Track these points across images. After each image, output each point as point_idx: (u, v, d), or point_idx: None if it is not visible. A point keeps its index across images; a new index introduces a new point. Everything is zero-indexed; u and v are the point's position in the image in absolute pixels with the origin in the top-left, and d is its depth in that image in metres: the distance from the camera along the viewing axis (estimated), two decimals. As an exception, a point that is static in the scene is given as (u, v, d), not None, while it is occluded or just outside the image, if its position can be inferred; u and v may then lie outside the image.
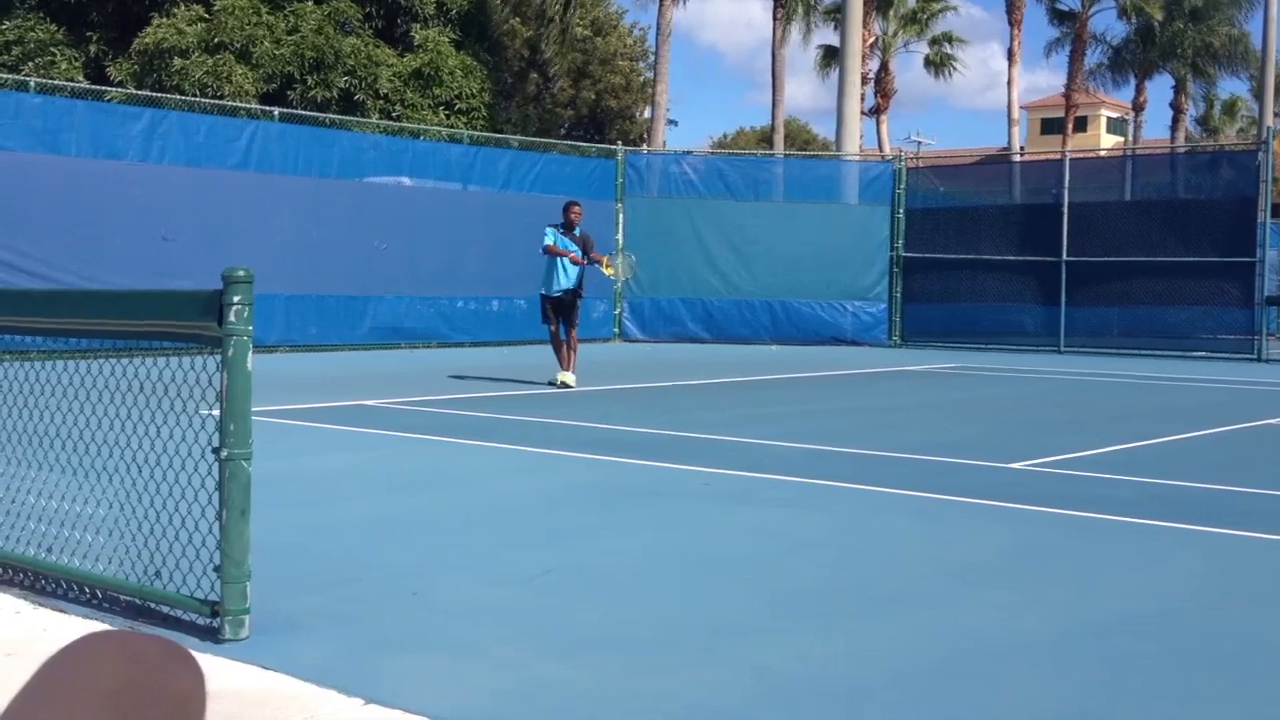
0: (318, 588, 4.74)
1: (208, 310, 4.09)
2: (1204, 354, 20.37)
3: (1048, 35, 76.69)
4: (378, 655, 3.95)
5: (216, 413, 4.13)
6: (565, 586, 4.87)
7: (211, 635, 4.04)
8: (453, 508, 6.56)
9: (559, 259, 13.27)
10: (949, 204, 23.39)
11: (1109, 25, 49.70)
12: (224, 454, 4.06)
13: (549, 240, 13.29)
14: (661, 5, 29.97)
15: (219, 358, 4.09)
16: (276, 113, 19.01)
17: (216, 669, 3.69)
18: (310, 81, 26.08)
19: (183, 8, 25.86)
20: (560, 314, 13.48)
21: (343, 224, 18.64)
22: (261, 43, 25.59)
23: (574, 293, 13.42)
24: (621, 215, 22.69)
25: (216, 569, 4.09)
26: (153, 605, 4.32)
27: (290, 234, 17.97)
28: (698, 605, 4.62)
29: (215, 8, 25.68)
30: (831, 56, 37.70)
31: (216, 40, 25.39)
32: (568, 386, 13.25)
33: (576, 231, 13.42)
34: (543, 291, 13.57)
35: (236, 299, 4.02)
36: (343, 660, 3.89)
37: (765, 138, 50.34)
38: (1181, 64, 45.45)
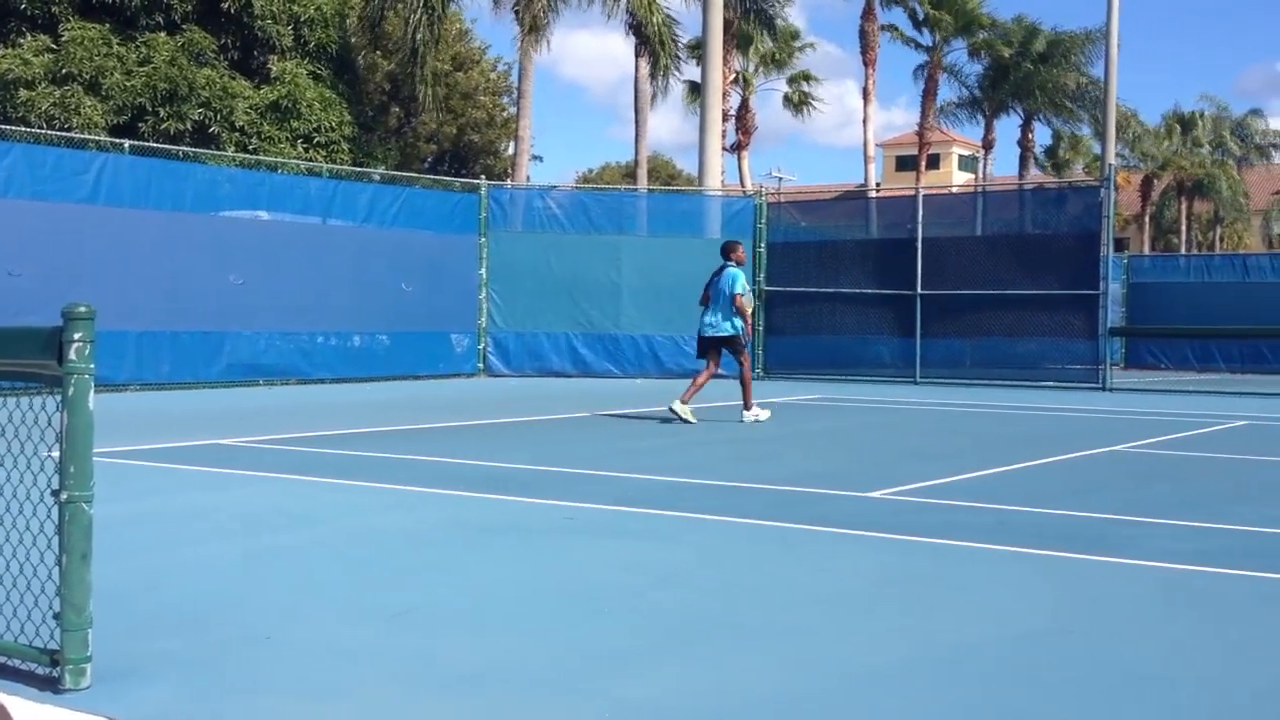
0: (167, 633, 4.58)
1: (47, 348, 3.94)
2: (1053, 384, 21.04)
3: (903, 71, 78.65)
4: (231, 701, 3.82)
5: (57, 454, 3.98)
6: (428, 624, 4.78)
7: (51, 685, 3.86)
8: (311, 547, 6.41)
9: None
10: (809, 238, 23.83)
11: (963, 63, 51.55)
12: (64, 496, 3.90)
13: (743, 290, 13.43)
14: (523, 41, 30.00)
15: (59, 397, 3.95)
16: (127, 145, 18.51)
17: (56, 721, 3.53)
18: (163, 114, 25.49)
19: (29, 37, 25.10)
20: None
21: (197, 259, 18.19)
22: (112, 74, 24.94)
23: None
24: (485, 249, 22.60)
25: (56, 616, 3.92)
26: (-12, 656, 4.12)
27: (142, 269, 17.49)
28: (561, 640, 4.57)
29: (63, 38, 24.98)
30: (695, 92, 38.17)
31: (64, 71, 24.68)
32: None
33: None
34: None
35: (77, 336, 3.88)
36: (192, 708, 3.75)
37: (629, 173, 50.72)
38: (1032, 102, 47.10)
